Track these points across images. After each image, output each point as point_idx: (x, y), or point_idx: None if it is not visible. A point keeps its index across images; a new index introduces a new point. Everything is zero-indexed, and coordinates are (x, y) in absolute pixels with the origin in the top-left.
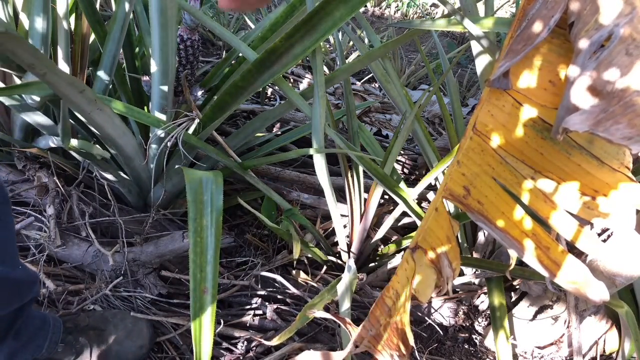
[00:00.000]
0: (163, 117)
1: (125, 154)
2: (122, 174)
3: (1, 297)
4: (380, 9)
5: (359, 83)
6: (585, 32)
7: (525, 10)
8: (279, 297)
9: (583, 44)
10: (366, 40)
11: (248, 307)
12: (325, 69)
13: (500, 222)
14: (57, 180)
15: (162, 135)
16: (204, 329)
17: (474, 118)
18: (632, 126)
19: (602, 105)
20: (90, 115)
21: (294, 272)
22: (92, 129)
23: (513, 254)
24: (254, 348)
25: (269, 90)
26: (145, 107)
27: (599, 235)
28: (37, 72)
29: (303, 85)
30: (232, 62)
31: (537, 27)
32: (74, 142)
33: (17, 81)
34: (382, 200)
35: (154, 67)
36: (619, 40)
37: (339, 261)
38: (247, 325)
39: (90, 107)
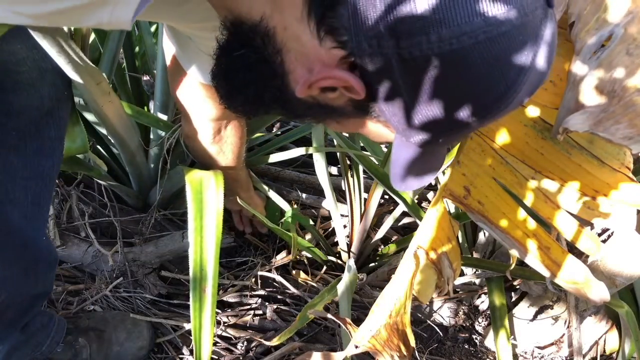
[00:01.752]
0: (164, 116)
1: (129, 150)
2: (118, 176)
3: (19, 265)
4: None
5: None
6: (586, 32)
7: None
8: (279, 297)
9: (583, 43)
10: None
11: (248, 307)
12: None
13: (501, 222)
14: (56, 180)
15: (163, 134)
16: (204, 329)
17: None
18: (632, 126)
19: (603, 105)
20: (102, 108)
21: (294, 272)
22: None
23: (513, 254)
24: (254, 348)
25: None
26: (145, 107)
27: (599, 235)
28: (64, 58)
29: None
30: None
31: None
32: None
33: None
34: (382, 200)
35: (158, 65)
36: (620, 40)
37: (339, 261)
38: (247, 325)
39: (103, 100)
